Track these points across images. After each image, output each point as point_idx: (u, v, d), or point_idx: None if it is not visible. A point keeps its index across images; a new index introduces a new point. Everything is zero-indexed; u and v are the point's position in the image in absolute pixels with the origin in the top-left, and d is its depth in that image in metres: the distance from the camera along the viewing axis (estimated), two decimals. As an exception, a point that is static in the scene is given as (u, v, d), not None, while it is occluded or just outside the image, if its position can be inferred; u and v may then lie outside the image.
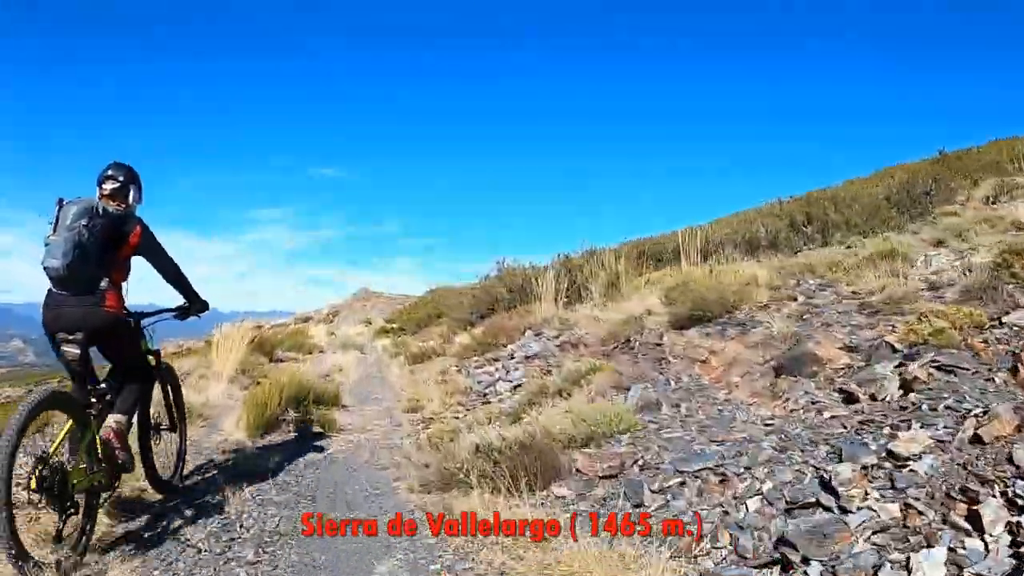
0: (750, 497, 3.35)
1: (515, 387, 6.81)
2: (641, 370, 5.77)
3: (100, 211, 3.08)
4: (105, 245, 3.09)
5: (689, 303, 6.39)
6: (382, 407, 7.49)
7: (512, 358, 7.94)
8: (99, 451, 3.04)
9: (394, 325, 23.92)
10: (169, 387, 4.12)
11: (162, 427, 3.97)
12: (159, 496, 3.94)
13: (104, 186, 3.29)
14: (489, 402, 6.66)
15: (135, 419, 3.51)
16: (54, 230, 2.96)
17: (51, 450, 2.78)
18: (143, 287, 3.69)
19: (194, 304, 3.75)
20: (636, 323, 6.79)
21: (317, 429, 5.94)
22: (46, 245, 2.95)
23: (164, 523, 3.60)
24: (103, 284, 3.07)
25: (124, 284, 3.33)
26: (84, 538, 2.96)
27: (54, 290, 3.00)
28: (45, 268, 2.91)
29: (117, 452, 3.20)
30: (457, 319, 14.13)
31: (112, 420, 3.25)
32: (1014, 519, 2.52)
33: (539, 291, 10.40)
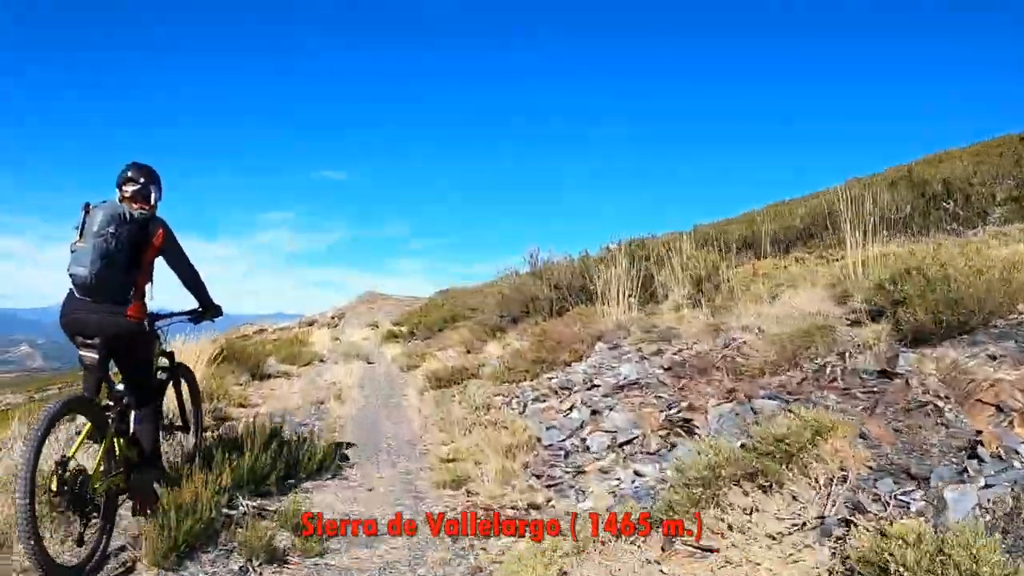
0: None
1: (622, 444, 3.95)
2: (915, 434, 2.89)
3: (128, 217, 2.88)
4: (132, 252, 2.90)
5: (934, 303, 3.53)
6: (399, 468, 4.62)
7: (592, 387, 5.08)
8: (117, 453, 2.88)
9: (403, 328, 21.07)
10: (184, 386, 3.81)
11: (176, 426, 3.75)
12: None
13: (124, 188, 3.08)
14: (583, 471, 3.79)
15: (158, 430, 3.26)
16: (80, 236, 2.77)
17: (70, 453, 2.60)
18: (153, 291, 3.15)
19: (208, 309, 3.51)
20: (825, 334, 3.93)
21: (284, 542, 3.05)
22: (72, 251, 2.77)
23: None
24: (129, 294, 2.91)
25: (149, 287, 3.07)
26: (104, 541, 2.77)
27: (76, 295, 2.83)
28: (71, 275, 2.77)
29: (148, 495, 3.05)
30: (483, 324, 11.27)
31: (140, 435, 3.09)
32: None
33: (599, 287, 7.55)
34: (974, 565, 1.85)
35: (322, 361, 14.47)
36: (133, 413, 3.08)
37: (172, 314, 3.47)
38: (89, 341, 2.83)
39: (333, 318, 35.20)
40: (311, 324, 33.36)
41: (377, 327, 26.19)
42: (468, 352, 11.07)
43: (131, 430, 3.06)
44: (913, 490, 2.46)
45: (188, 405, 3.89)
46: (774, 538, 2.40)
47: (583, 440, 4.15)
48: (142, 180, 3.10)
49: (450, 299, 23.28)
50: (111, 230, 2.78)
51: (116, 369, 3.08)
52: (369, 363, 13.89)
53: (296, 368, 12.20)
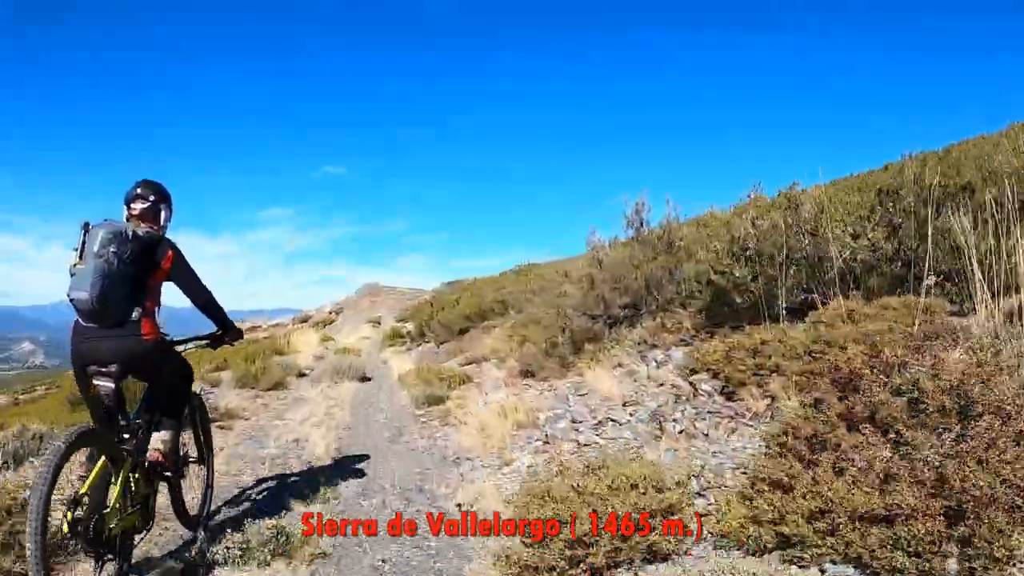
0: None
1: None
2: None
3: (130, 235, 2.51)
4: (136, 272, 2.54)
5: None
6: None
7: None
8: (133, 489, 2.52)
9: (409, 327, 16.32)
10: (197, 417, 3.30)
11: (190, 459, 3.22)
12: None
13: (132, 206, 2.72)
14: None
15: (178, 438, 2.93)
16: (80, 256, 2.44)
17: (83, 490, 2.26)
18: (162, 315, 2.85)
19: (227, 332, 3.05)
20: None
21: None
22: (72, 274, 2.45)
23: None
24: (135, 315, 2.53)
25: (157, 310, 2.70)
26: None
27: (82, 322, 2.49)
28: (72, 300, 2.44)
29: (168, 471, 2.80)
30: (550, 328, 6.47)
31: (158, 441, 2.79)
32: None
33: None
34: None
35: (304, 375, 9.75)
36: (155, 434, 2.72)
37: (188, 339, 3.04)
38: (104, 369, 2.49)
39: (331, 313, 30.61)
40: (305, 320, 28.78)
41: (379, 324, 21.49)
42: (525, 375, 6.34)
43: (147, 463, 2.66)
44: None
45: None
46: None
47: None
48: (151, 198, 2.73)
49: (462, 291, 18.54)
50: (112, 249, 2.44)
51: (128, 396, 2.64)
52: (366, 380, 9.17)
53: (255, 398, 7.46)
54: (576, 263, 12.71)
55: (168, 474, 2.80)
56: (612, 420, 3.88)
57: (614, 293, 5.76)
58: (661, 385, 4.48)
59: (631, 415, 3.90)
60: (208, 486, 3.35)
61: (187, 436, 3.17)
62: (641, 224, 6.14)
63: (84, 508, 2.23)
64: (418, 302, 21.51)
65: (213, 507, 3.32)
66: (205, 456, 3.33)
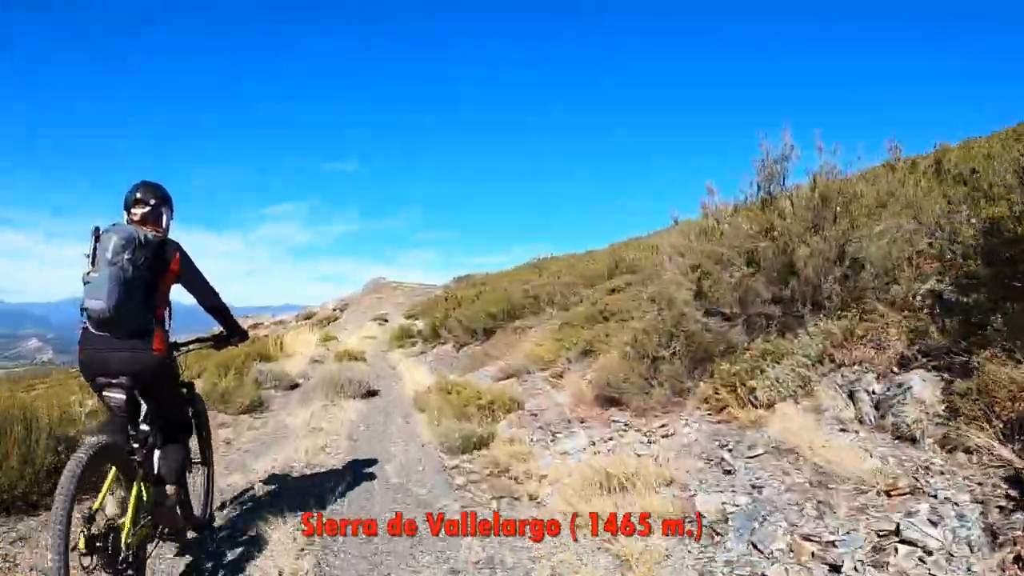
0: None
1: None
2: None
3: (142, 240, 2.38)
4: (151, 278, 2.43)
5: None
6: None
7: None
8: (145, 499, 2.40)
9: (419, 324, 14.23)
10: (201, 419, 3.25)
11: (193, 461, 3.07)
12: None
13: (134, 210, 2.56)
14: None
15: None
16: (92, 264, 2.31)
17: (96, 505, 2.17)
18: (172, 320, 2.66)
19: (234, 334, 2.95)
20: None
21: None
22: (85, 283, 2.31)
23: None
24: (151, 325, 2.42)
25: (168, 314, 2.59)
26: None
27: (93, 330, 2.34)
28: (87, 309, 2.31)
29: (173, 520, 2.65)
30: (650, 332, 4.30)
31: (168, 493, 2.57)
32: None
33: None
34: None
35: (297, 386, 7.69)
36: (158, 451, 2.57)
37: (192, 341, 2.92)
38: (114, 381, 2.36)
39: (335, 310, 28.67)
40: (309, 317, 26.90)
41: (385, 322, 19.42)
42: (606, 403, 4.19)
43: (156, 471, 2.55)
44: None
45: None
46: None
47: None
48: (152, 201, 2.58)
49: (478, 286, 16.47)
50: (127, 256, 2.32)
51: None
52: (371, 395, 7.09)
53: (220, 428, 5.38)
54: (629, 248, 10.49)
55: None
56: (901, 541, 1.78)
57: (756, 280, 3.65)
58: (911, 441, 2.39)
59: (934, 524, 1.80)
60: (210, 486, 3.29)
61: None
62: (784, 181, 4.02)
63: (99, 525, 2.12)
64: (428, 298, 19.44)
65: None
66: (206, 457, 3.26)
